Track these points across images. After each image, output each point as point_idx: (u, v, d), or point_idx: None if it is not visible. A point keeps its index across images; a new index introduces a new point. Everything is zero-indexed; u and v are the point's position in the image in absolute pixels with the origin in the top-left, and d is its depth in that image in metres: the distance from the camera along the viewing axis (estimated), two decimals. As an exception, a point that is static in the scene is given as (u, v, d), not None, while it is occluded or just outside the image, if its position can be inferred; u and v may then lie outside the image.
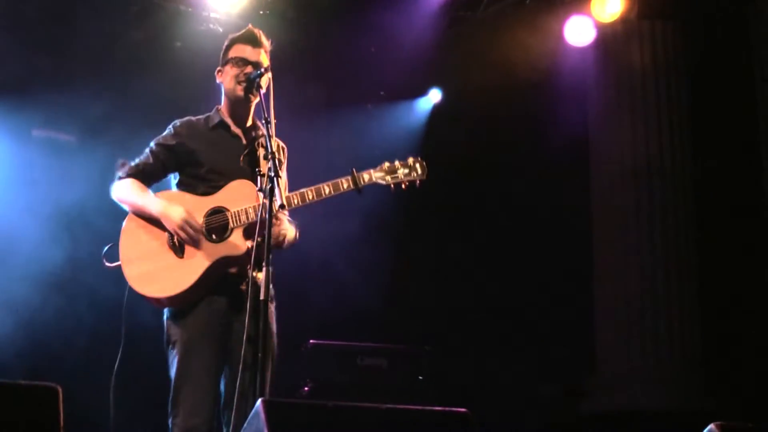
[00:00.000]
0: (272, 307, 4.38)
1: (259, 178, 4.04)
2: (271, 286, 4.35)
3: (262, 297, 3.86)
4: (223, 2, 8.19)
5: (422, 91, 9.95)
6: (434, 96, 9.99)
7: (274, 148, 4.06)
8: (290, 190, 4.43)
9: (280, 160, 4.55)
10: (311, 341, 7.28)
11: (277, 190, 3.91)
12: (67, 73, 8.21)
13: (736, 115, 8.40)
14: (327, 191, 4.23)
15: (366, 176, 4.25)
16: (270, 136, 4.07)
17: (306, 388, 7.08)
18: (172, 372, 4.22)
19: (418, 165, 4.31)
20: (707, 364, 8.14)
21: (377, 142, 9.23)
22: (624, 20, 8.42)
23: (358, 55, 9.15)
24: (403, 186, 4.28)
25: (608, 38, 8.62)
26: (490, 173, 9.49)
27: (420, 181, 4.29)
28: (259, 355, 3.78)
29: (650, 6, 8.47)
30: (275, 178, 3.93)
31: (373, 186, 4.29)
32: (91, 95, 8.14)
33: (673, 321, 8.19)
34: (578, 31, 8.49)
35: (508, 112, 9.27)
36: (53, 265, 7.72)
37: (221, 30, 8.59)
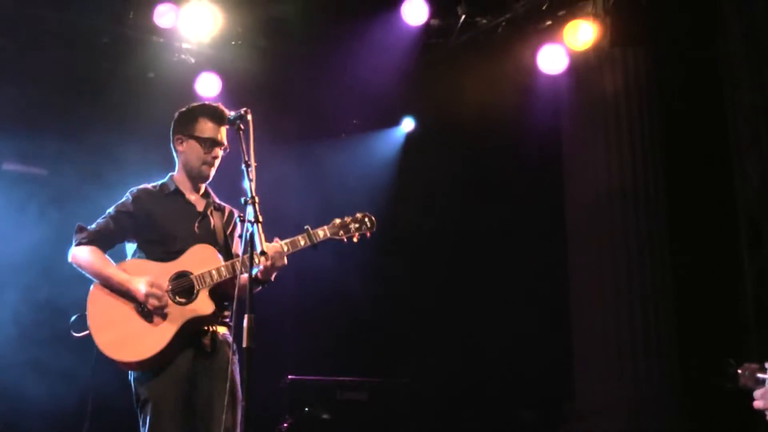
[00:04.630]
0: (235, 358, 4.43)
1: (239, 224, 4.08)
2: (230, 338, 4.50)
3: (245, 344, 3.80)
4: (195, 33, 8.12)
5: (396, 120, 9.95)
6: (407, 125, 10.00)
7: (254, 193, 3.99)
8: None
9: (234, 228, 4.75)
10: (289, 377, 7.22)
11: (257, 237, 3.88)
12: (38, 105, 8.13)
13: (708, 138, 8.46)
14: (286, 249, 4.45)
15: (321, 233, 4.57)
16: (251, 180, 4.02)
17: (285, 424, 7.01)
18: (144, 429, 4.26)
19: (367, 219, 4.70)
20: (686, 388, 8.14)
21: (351, 172, 9.22)
22: (596, 48, 8.45)
23: (331, 84, 9.12)
24: (354, 239, 4.64)
25: (581, 66, 8.66)
26: (464, 201, 9.49)
27: (370, 233, 4.69)
28: (243, 404, 3.77)
29: (621, 34, 8.48)
30: (256, 224, 3.88)
31: (328, 241, 4.60)
32: (63, 127, 8.07)
33: (651, 345, 8.20)
34: (551, 59, 8.51)
35: (481, 140, 9.30)
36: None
37: (193, 60, 8.56)
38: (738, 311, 8.07)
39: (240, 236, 4.22)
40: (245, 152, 4.10)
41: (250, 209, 3.93)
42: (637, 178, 8.50)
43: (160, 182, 4.72)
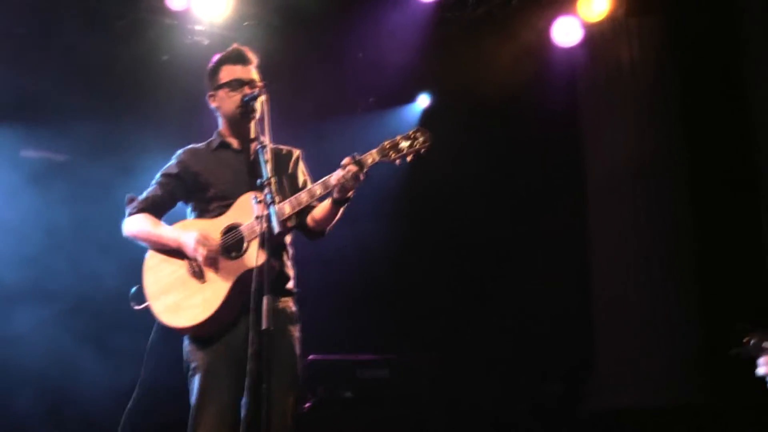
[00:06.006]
0: (295, 330, 4.34)
1: (254, 204, 3.91)
2: (294, 308, 4.38)
3: (264, 326, 3.71)
4: (207, 14, 8.09)
5: (412, 96, 9.89)
6: (423, 101, 9.95)
7: (270, 173, 3.90)
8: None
9: (295, 166, 4.61)
10: (310, 356, 7.22)
11: (274, 217, 3.81)
12: (53, 91, 8.14)
13: (728, 110, 8.37)
14: (333, 182, 4.15)
15: (369, 158, 4.11)
16: (267, 161, 3.94)
17: (307, 404, 7.03)
18: (193, 398, 4.16)
19: (420, 134, 4.11)
20: (707, 362, 8.11)
21: (367, 150, 9.17)
22: (611, 18, 8.38)
23: (346, 62, 9.08)
24: (408, 158, 4.10)
25: (596, 37, 8.59)
26: (482, 176, 9.45)
27: (425, 149, 4.10)
28: (264, 386, 3.66)
29: (637, 3, 8.44)
30: (272, 205, 3.83)
31: (378, 165, 4.14)
32: (79, 112, 8.08)
33: (673, 319, 8.19)
34: (566, 31, 8.45)
35: (497, 114, 9.24)
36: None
37: (207, 42, 8.53)
38: (762, 284, 8.02)
39: (258, 217, 3.91)
40: (260, 132, 4.07)
41: (267, 190, 3.83)
42: (658, 149, 8.45)
43: (207, 140, 4.56)
